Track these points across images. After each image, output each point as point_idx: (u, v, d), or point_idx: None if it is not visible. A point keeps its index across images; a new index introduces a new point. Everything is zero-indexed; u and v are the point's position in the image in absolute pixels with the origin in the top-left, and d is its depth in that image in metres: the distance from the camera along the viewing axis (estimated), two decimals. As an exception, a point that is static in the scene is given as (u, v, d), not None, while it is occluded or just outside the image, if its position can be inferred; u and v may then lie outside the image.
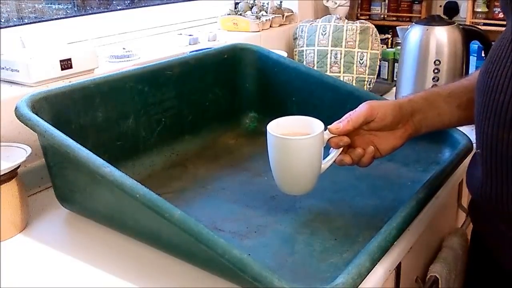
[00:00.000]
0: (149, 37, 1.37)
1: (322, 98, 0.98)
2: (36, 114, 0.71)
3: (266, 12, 1.54)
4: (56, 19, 1.22)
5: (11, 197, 0.74)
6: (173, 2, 1.52)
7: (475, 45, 1.28)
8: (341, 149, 0.71)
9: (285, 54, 1.17)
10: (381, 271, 0.62)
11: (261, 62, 1.05)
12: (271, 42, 1.44)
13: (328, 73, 1.36)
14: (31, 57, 0.92)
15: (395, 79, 1.48)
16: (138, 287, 0.63)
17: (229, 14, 1.52)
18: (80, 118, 0.81)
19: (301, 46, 1.43)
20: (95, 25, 1.27)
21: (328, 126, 0.70)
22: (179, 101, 0.96)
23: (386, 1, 1.86)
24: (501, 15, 1.66)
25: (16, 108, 0.72)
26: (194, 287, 0.63)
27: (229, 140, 1.04)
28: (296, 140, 0.69)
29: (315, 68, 1.38)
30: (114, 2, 1.48)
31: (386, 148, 0.72)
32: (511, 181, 0.58)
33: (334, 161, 0.72)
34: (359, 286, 0.57)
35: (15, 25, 1.13)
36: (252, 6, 1.54)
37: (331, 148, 0.72)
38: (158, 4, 1.48)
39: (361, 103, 0.71)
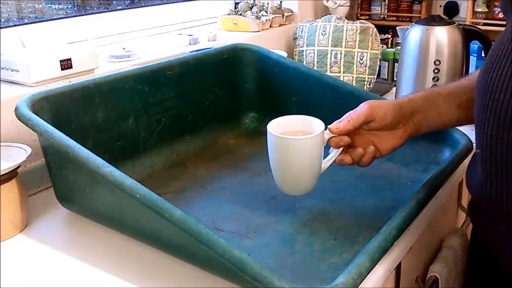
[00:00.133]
0: (149, 37, 1.37)
1: (322, 98, 0.98)
2: (36, 114, 0.71)
3: (266, 12, 1.54)
4: (56, 19, 1.22)
5: (11, 197, 0.74)
6: (173, 2, 1.52)
7: (475, 45, 1.28)
8: (341, 148, 0.71)
9: (285, 54, 1.17)
10: (381, 271, 0.62)
11: (261, 62, 1.05)
12: (271, 42, 1.44)
13: (328, 73, 1.36)
14: (31, 57, 0.92)
15: (395, 79, 1.48)
16: (138, 287, 0.63)
17: (229, 14, 1.52)
18: (80, 118, 0.81)
19: (301, 46, 1.43)
20: (95, 25, 1.27)
21: (328, 126, 0.70)
22: (179, 101, 0.96)
23: (386, 1, 1.86)
24: (501, 15, 1.66)
25: (16, 108, 0.72)
26: (194, 287, 0.63)
27: (229, 140, 1.04)
28: (296, 140, 0.69)
29: (315, 68, 1.38)
30: (114, 2, 1.48)
31: (386, 148, 0.72)
32: (511, 181, 0.58)
33: (334, 161, 0.72)
34: (359, 286, 0.57)
35: (15, 25, 1.13)
36: (252, 6, 1.54)
37: (331, 148, 0.72)
38: (158, 4, 1.48)
39: (361, 103, 0.71)
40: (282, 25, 1.56)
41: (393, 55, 1.53)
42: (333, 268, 0.64)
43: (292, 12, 1.61)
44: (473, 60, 1.30)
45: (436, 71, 1.14)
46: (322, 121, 0.72)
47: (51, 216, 0.80)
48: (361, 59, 1.36)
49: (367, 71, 1.37)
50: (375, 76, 1.39)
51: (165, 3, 1.51)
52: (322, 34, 1.39)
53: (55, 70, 0.93)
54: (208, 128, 1.02)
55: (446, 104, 0.75)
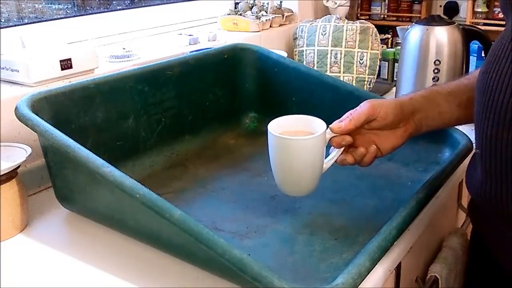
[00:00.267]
0: (149, 37, 1.37)
1: (322, 98, 0.98)
2: (36, 114, 0.71)
3: (266, 12, 1.54)
4: (56, 19, 1.22)
5: (11, 197, 0.74)
6: (173, 2, 1.52)
7: (475, 45, 1.28)
8: (342, 148, 0.70)
9: (285, 54, 1.17)
10: (381, 271, 0.62)
11: (261, 62, 1.05)
12: (271, 42, 1.44)
13: (328, 73, 1.36)
14: (31, 57, 0.92)
15: (395, 79, 1.48)
16: (138, 287, 0.63)
17: (229, 14, 1.52)
18: (80, 118, 0.81)
19: (301, 46, 1.43)
20: (95, 25, 1.27)
21: (330, 125, 0.69)
22: (179, 101, 0.96)
23: (386, 1, 1.86)
24: (501, 15, 1.66)
25: (16, 108, 0.72)
26: (194, 287, 0.63)
27: (229, 140, 1.04)
28: (298, 140, 0.68)
29: (315, 68, 1.38)
30: (114, 2, 1.48)
31: (387, 147, 0.72)
32: (511, 181, 0.58)
33: (336, 161, 0.71)
34: (359, 286, 0.57)
35: (15, 25, 1.13)
36: (252, 6, 1.54)
37: (331, 147, 0.71)
38: (158, 4, 1.48)
39: (362, 102, 0.71)
40: (282, 25, 1.56)
41: (393, 55, 1.53)
42: (333, 268, 0.64)
43: (292, 12, 1.61)
44: (473, 60, 1.30)
45: (436, 71, 1.14)
46: (323, 121, 0.71)
47: (51, 216, 0.80)
48: (361, 59, 1.36)
49: (367, 71, 1.37)
50: (375, 76, 1.39)
51: (165, 3, 1.51)
52: (322, 34, 1.39)
53: (55, 70, 0.93)
54: (208, 128, 1.02)
55: (446, 103, 0.74)
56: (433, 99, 0.74)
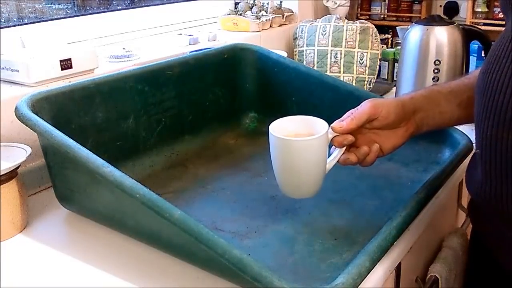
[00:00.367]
0: (149, 37, 1.37)
1: (322, 98, 0.98)
2: (36, 114, 0.71)
3: (266, 12, 1.54)
4: (56, 19, 1.22)
5: (11, 197, 0.74)
6: (173, 2, 1.52)
7: (475, 45, 1.28)
8: (344, 148, 0.70)
9: (285, 54, 1.17)
10: (381, 271, 0.62)
11: (261, 62, 1.05)
12: (271, 42, 1.44)
13: (328, 73, 1.36)
14: (31, 57, 0.92)
15: (395, 79, 1.48)
16: (138, 287, 0.63)
17: (229, 14, 1.52)
18: (80, 118, 0.81)
19: (301, 46, 1.43)
20: (95, 25, 1.27)
21: (331, 125, 0.68)
22: (179, 101, 0.96)
23: (386, 1, 1.86)
24: (501, 15, 1.66)
25: (16, 108, 0.72)
26: (194, 287, 0.63)
27: (229, 140, 1.04)
28: (301, 141, 0.67)
29: (315, 68, 1.38)
30: (114, 2, 1.48)
31: (388, 146, 0.71)
32: (511, 181, 0.58)
33: (338, 161, 0.70)
34: (359, 286, 0.57)
35: (15, 25, 1.13)
36: (252, 6, 1.54)
37: (332, 147, 0.70)
38: (158, 4, 1.48)
39: (363, 102, 0.70)
40: (282, 25, 1.56)
41: (393, 55, 1.53)
42: (333, 268, 0.64)
43: (292, 12, 1.61)
44: (473, 60, 1.30)
45: (436, 71, 1.14)
46: (324, 121, 0.70)
47: (51, 216, 0.80)
48: (361, 59, 1.36)
49: (367, 71, 1.37)
50: (375, 76, 1.39)
51: (165, 3, 1.51)
52: (322, 34, 1.39)
53: (55, 70, 0.93)
54: (208, 128, 1.02)
55: (447, 102, 0.74)
56: (434, 98, 0.74)
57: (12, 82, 0.93)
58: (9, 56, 0.94)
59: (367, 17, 1.88)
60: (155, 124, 0.93)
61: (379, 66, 1.41)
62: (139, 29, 1.37)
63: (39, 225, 0.78)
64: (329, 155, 0.71)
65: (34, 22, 1.18)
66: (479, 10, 1.72)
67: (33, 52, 0.96)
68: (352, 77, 1.37)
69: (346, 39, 1.37)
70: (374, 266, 0.60)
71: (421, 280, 0.83)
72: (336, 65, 1.38)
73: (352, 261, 0.59)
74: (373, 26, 1.39)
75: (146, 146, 0.92)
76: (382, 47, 1.50)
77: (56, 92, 0.78)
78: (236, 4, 1.61)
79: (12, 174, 0.74)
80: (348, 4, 1.67)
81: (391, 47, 1.69)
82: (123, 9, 1.41)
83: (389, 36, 1.73)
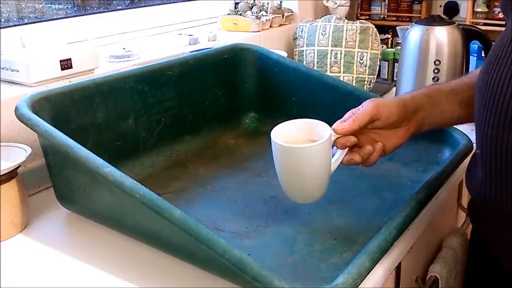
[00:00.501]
0: (149, 37, 1.37)
1: (322, 98, 0.98)
2: (36, 114, 0.71)
3: (266, 12, 1.54)
4: (56, 19, 1.22)
5: (11, 197, 0.74)
6: (173, 2, 1.52)
7: (475, 45, 1.28)
8: (347, 149, 0.69)
9: (285, 54, 1.17)
10: (381, 271, 0.62)
11: (261, 62, 1.05)
12: (271, 42, 1.44)
13: (328, 73, 1.36)
14: (31, 57, 0.92)
15: (395, 79, 1.48)
16: (138, 287, 0.63)
17: (229, 14, 1.52)
18: (80, 118, 0.81)
19: (301, 46, 1.43)
20: (95, 25, 1.27)
21: (333, 127, 0.68)
22: (179, 101, 0.96)
23: (386, 1, 1.86)
24: (501, 15, 1.66)
25: (16, 108, 0.72)
26: (194, 287, 0.63)
27: (229, 140, 1.04)
28: (305, 148, 0.66)
29: (315, 68, 1.38)
30: (114, 2, 1.48)
31: (389, 146, 0.71)
32: (511, 182, 0.58)
33: (341, 162, 0.69)
34: (359, 286, 0.57)
35: (15, 25, 1.13)
36: (252, 6, 1.54)
37: (334, 148, 0.70)
38: (158, 4, 1.48)
39: (364, 102, 0.70)
40: (282, 25, 1.56)
41: (393, 55, 1.52)
42: (333, 268, 0.64)
43: (292, 12, 1.61)
44: (473, 60, 1.30)
45: (436, 71, 1.14)
46: (323, 121, 0.70)
47: (51, 216, 0.80)
48: (361, 59, 1.36)
49: (367, 71, 1.37)
50: (375, 76, 1.39)
51: (165, 3, 1.51)
52: (322, 34, 1.39)
53: (55, 70, 0.93)
54: (208, 128, 1.02)
55: (448, 101, 0.74)
56: (435, 97, 0.74)
57: (12, 82, 0.93)
58: (9, 56, 0.94)
59: (367, 17, 1.88)
60: (155, 124, 0.93)
61: (379, 66, 1.41)
62: (139, 29, 1.37)
63: (39, 225, 0.78)
64: (332, 156, 0.70)
65: (34, 22, 1.18)
66: (479, 10, 1.72)
67: (33, 52, 0.96)
68: (352, 77, 1.37)
69: (346, 39, 1.37)
70: (374, 266, 0.60)
71: (421, 280, 0.83)
72: (336, 65, 1.38)
73: (352, 261, 0.59)
74: (373, 26, 1.39)
75: (146, 146, 0.92)
76: (382, 47, 1.50)
77: (56, 92, 0.78)
78: (236, 4, 1.61)
79: (12, 174, 0.74)
80: (348, 4, 1.67)
81: (391, 47, 1.69)
82: (123, 9, 1.41)
83: (389, 36, 1.73)
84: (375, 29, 1.39)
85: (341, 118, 0.70)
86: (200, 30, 1.43)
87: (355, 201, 0.81)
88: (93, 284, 0.64)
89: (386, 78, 1.54)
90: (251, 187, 0.86)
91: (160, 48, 1.23)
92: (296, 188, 0.70)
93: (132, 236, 0.72)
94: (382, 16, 1.88)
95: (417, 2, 1.81)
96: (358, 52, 1.37)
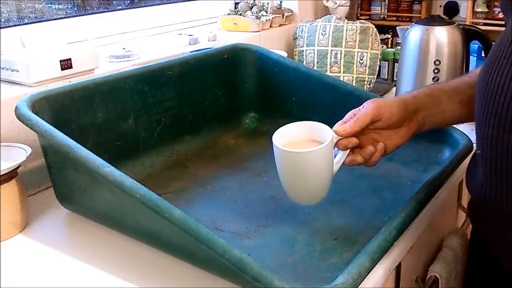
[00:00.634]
0: (149, 37, 1.37)
1: (322, 98, 0.98)
2: (36, 114, 0.71)
3: (266, 12, 1.54)
4: (56, 19, 1.22)
5: (11, 197, 0.74)
6: (173, 2, 1.52)
7: (475, 45, 1.28)
8: (348, 150, 0.69)
9: (285, 54, 1.17)
10: (381, 271, 0.62)
11: (261, 62, 1.05)
12: (271, 42, 1.44)
13: (328, 73, 1.36)
14: (31, 57, 0.92)
15: (395, 79, 1.48)
16: (138, 287, 0.63)
17: (229, 14, 1.52)
18: (80, 118, 0.81)
19: (301, 46, 1.43)
20: (95, 25, 1.27)
21: (334, 128, 0.67)
22: (179, 101, 0.96)
23: (386, 1, 1.86)
24: (501, 15, 1.66)
25: (16, 108, 0.72)
26: (194, 287, 0.63)
27: (229, 140, 1.04)
28: (307, 152, 0.66)
29: (315, 68, 1.38)
30: (114, 2, 1.48)
31: (390, 146, 0.71)
32: (511, 182, 0.58)
33: (343, 163, 0.69)
34: (359, 286, 0.57)
35: (15, 25, 1.13)
36: (252, 6, 1.54)
37: (335, 149, 0.69)
38: (158, 4, 1.48)
39: (362, 103, 0.70)
40: (282, 25, 1.56)
41: (393, 55, 1.52)
42: (333, 268, 0.64)
43: (292, 12, 1.61)
44: (473, 60, 1.30)
45: (436, 71, 1.14)
46: (323, 121, 0.70)
47: (51, 216, 0.80)
48: (361, 59, 1.36)
49: (367, 71, 1.37)
50: (375, 76, 1.39)
51: (165, 3, 1.51)
52: (322, 34, 1.39)
53: (55, 70, 0.93)
54: (208, 128, 1.02)
55: (448, 100, 0.74)
56: (435, 97, 0.74)
57: (12, 82, 0.93)
58: (9, 56, 0.94)
59: (367, 17, 1.88)
60: (155, 124, 0.93)
61: (379, 66, 1.41)
62: (139, 29, 1.37)
63: (39, 225, 0.78)
64: (333, 157, 0.70)
65: (34, 22, 1.18)
66: (479, 10, 1.72)
67: (33, 52, 0.96)
68: (352, 77, 1.37)
69: (346, 39, 1.37)
70: (374, 266, 0.60)
71: (421, 280, 0.83)
72: (336, 65, 1.38)
73: (352, 261, 0.59)
74: (373, 26, 1.39)
75: (146, 146, 0.92)
76: (382, 47, 1.50)
77: (56, 92, 0.78)
78: (236, 4, 1.61)
79: (12, 174, 0.74)
80: (348, 4, 1.67)
81: (391, 47, 1.68)
82: (123, 9, 1.41)
83: (389, 36, 1.73)
84: (375, 29, 1.39)
85: (341, 118, 0.70)
86: (200, 30, 1.43)
87: (355, 201, 0.81)
88: (93, 284, 0.64)
89: (386, 78, 1.54)
90: (251, 187, 0.86)
91: (160, 48, 1.23)
92: (299, 191, 0.70)
93: (132, 236, 0.72)
94: (382, 16, 1.88)
95: (417, 2, 1.81)
96: (358, 52, 1.37)
